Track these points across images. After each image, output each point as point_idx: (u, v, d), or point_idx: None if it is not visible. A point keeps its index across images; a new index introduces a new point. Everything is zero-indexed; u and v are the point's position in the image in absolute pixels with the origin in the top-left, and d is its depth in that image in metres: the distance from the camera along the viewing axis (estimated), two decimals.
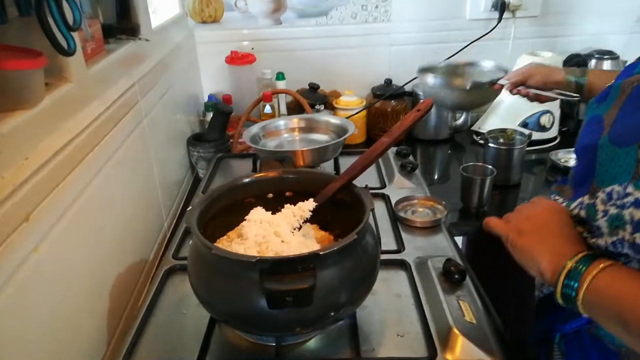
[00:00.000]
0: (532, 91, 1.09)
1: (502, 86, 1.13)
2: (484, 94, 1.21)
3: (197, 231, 0.64)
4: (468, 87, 1.17)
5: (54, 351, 0.63)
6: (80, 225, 0.71)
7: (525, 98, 1.11)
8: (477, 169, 1.22)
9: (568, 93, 1.05)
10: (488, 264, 1.00)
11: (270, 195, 0.82)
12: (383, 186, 1.14)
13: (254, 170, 1.24)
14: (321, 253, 0.58)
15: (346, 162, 1.26)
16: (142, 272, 0.95)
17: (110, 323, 0.78)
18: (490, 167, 1.21)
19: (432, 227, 0.98)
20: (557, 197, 0.76)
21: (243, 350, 0.71)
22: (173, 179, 1.26)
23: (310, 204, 0.75)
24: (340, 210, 0.79)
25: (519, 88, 1.10)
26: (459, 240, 1.17)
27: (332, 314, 0.63)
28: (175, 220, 1.20)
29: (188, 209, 0.69)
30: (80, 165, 0.72)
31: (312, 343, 0.71)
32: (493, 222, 0.68)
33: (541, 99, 1.10)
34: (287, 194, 0.82)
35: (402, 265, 0.87)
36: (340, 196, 0.77)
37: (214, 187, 1.19)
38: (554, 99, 1.09)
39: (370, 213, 0.68)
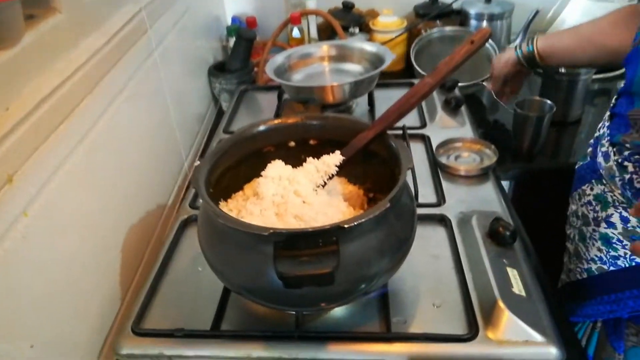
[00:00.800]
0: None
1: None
2: None
3: (204, 192, 0.56)
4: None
5: (62, 313, 0.59)
6: (81, 179, 0.64)
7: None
8: (533, 105, 1.07)
9: None
10: (537, 216, 0.90)
11: (292, 143, 0.72)
12: (423, 125, 1.01)
13: (280, 106, 1.13)
14: (346, 226, 0.49)
15: (382, 97, 1.13)
16: (160, 219, 0.89)
17: (123, 279, 0.74)
18: (549, 102, 1.05)
19: (479, 177, 0.86)
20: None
21: (260, 318, 0.65)
22: (193, 114, 1.17)
23: (336, 158, 0.65)
24: (372, 162, 0.69)
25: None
26: (505, 185, 1.04)
27: (362, 286, 0.55)
28: (197, 160, 1.13)
29: (195, 164, 0.60)
30: (75, 112, 0.63)
31: (338, 312, 0.64)
32: None
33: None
34: (311, 142, 0.72)
35: (442, 221, 0.77)
36: (373, 147, 0.66)
37: (237, 125, 1.10)
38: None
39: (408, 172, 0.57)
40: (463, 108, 1.05)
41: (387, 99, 1.13)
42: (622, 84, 0.85)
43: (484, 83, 1.21)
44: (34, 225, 0.54)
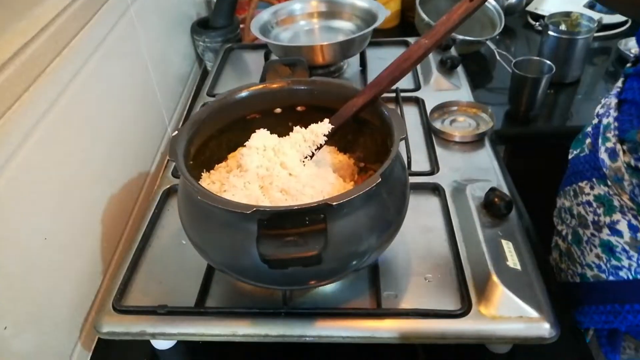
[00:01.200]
0: None
1: None
2: None
3: (183, 166, 0.52)
4: None
5: (38, 291, 0.56)
6: (53, 147, 0.60)
7: None
8: (531, 65, 1.02)
9: None
10: (531, 182, 0.87)
11: (278, 110, 0.67)
12: (417, 87, 0.97)
13: (266, 67, 1.07)
14: (334, 204, 0.46)
15: (375, 57, 1.07)
16: (142, 188, 0.85)
17: (104, 252, 0.71)
18: (548, 62, 1.00)
19: (474, 143, 0.83)
20: None
21: (247, 294, 0.62)
22: (176, 75, 1.11)
23: (325, 127, 0.61)
24: (363, 131, 0.65)
25: None
26: (499, 149, 1.01)
27: (352, 264, 0.53)
28: (181, 123, 1.08)
29: (173, 134, 0.56)
30: (42, 76, 0.58)
31: (327, 287, 0.62)
32: None
33: None
34: (299, 108, 0.67)
35: (435, 190, 0.74)
36: (364, 115, 0.62)
37: (222, 87, 1.04)
38: None
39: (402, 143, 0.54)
40: (459, 69, 1.00)
41: (380, 58, 1.09)
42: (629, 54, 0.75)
43: (488, 42, 1.16)
44: (3, 198, 0.50)
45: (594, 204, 0.69)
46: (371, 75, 1.02)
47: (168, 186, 0.78)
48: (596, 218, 0.68)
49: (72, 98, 0.64)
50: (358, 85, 0.99)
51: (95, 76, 0.71)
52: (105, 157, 0.73)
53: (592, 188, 0.69)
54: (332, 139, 0.63)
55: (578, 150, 0.75)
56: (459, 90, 0.95)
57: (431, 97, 0.93)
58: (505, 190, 0.71)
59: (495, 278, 0.59)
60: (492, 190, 0.68)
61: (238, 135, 0.65)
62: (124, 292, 0.63)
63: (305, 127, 0.62)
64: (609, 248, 0.67)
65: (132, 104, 0.85)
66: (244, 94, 0.63)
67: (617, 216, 0.65)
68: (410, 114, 0.90)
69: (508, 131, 1.04)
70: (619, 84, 0.69)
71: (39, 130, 0.57)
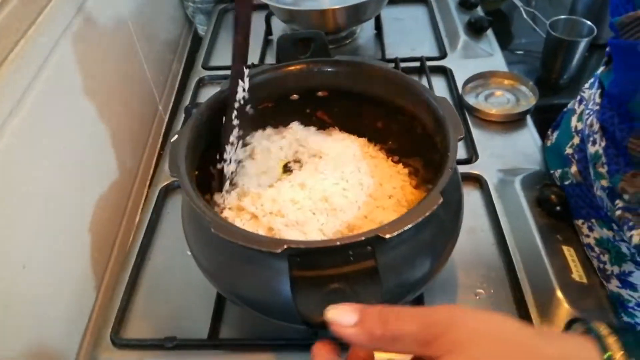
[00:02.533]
0: None
1: None
2: None
3: (188, 184, 0.41)
4: None
5: (22, 325, 0.47)
6: (26, 146, 0.48)
7: None
8: (568, 26, 0.90)
9: None
10: None
11: (295, 96, 0.56)
12: (443, 55, 0.85)
13: (268, 30, 0.94)
14: (387, 237, 0.36)
15: (391, 17, 0.94)
16: (134, 182, 0.74)
17: (96, 266, 0.61)
18: (588, 23, 0.88)
19: (515, 122, 0.72)
20: None
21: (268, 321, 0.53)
22: (164, 41, 0.97)
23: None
24: (395, 117, 0.54)
25: None
26: None
27: (404, 297, 0.44)
28: (174, 96, 0.95)
29: (171, 139, 0.45)
30: (5, 65, 0.46)
31: None
32: None
33: None
34: (320, 94, 0.56)
35: (477, 182, 0.65)
36: (398, 100, 0.52)
37: (219, 57, 0.91)
38: None
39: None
40: (489, 32, 0.88)
41: (397, 19, 0.96)
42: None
43: None
44: None
45: (597, 249, 0.55)
46: (388, 40, 0.89)
47: (165, 183, 0.68)
48: (601, 266, 0.55)
49: (46, 85, 0.52)
50: (375, 49, 0.87)
51: (70, 55, 0.58)
52: (86, 149, 0.61)
53: (591, 230, 0.55)
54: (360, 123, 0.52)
55: (559, 173, 0.61)
56: (492, 57, 0.83)
57: (460, 67, 0.81)
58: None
59: (560, 294, 0.51)
60: (547, 185, 0.59)
61: (248, 130, 0.54)
62: (122, 320, 0.54)
63: (328, 116, 0.51)
64: (620, 302, 0.54)
65: (115, 82, 0.72)
66: (255, 79, 0.52)
67: (628, 266, 0.52)
68: (438, 87, 0.79)
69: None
70: (597, 98, 0.52)
71: (5, 135, 0.45)
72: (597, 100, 0.52)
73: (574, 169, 0.57)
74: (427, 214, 0.37)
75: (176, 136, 0.45)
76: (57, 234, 0.53)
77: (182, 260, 0.59)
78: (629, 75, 0.45)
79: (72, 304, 0.55)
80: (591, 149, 0.51)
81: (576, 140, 0.57)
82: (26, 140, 0.49)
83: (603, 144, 0.50)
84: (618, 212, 0.47)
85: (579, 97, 0.58)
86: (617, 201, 0.47)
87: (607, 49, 0.50)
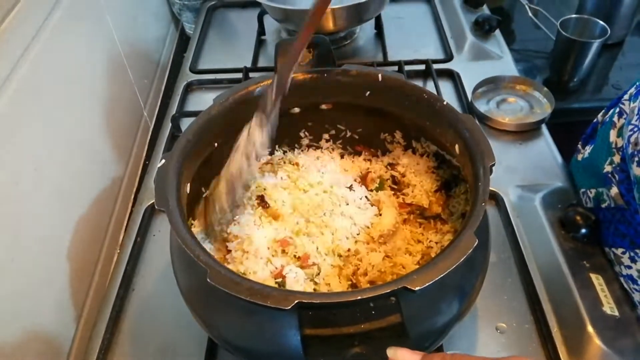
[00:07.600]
0: None
1: None
2: None
3: (180, 222, 0.36)
4: None
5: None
6: None
7: None
8: (580, 26, 0.85)
9: None
10: None
11: (296, 109, 0.50)
12: (449, 58, 0.79)
13: (261, 30, 0.88)
14: (416, 289, 0.30)
15: (391, 15, 0.89)
16: (117, 199, 0.68)
17: (76, 295, 0.54)
18: (601, 23, 0.83)
19: (530, 132, 0.67)
20: None
21: None
22: (149, 40, 0.90)
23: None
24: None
25: None
26: None
27: (425, 345, 0.38)
28: (159, 101, 0.89)
29: (159, 163, 0.39)
30: None
31: None
32: None
33: None
34: (324, 106, 0.51)
35: (492, 199, 0.60)
36: (417, 119, 0.46)
37: (207, 59, 0.85)
38: None
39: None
40: (498, 32, 0.83)
41: (398, 18, 0.90)
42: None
43: None
44: None
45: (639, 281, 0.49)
46: (389, 41, 0.83)
47: (151, 202, 0.61)
48: None
49: (22, 84, 0.46)
50: (376, 51, 0.81)
51: (47, 53, 0.52)
52: (63, 163, 0.55)
53: (634, 260, 0.49)
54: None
55: (593, 193, 0.55)
56: (501, 60, 0.78)
57: (467, 70, 0.76)
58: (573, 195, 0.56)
59: (591, 330, 0.46)
60: (573, 206, 0.54)
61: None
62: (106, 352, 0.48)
63: (333, 129, 0.46)
64: None
65: (96, 86, 0.65)
66: (253, 90, 0.46)
67: None
68: (445, 93, 0.73)
69: None
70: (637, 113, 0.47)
71: None
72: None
73: (614, 190, 0.51)
74: (462, 259, 0.32)
75: (163, 161, 0.39)
76: (31, 260, 0.47)
77: (170, 290, 0.52)
78: None
79: (49, 336, 0.49)
80: (636, 171, 0.45)
81: (617, 158, 0.51)
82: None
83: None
84: None
85: (617, 109, 0.52)
86: None
87: None
